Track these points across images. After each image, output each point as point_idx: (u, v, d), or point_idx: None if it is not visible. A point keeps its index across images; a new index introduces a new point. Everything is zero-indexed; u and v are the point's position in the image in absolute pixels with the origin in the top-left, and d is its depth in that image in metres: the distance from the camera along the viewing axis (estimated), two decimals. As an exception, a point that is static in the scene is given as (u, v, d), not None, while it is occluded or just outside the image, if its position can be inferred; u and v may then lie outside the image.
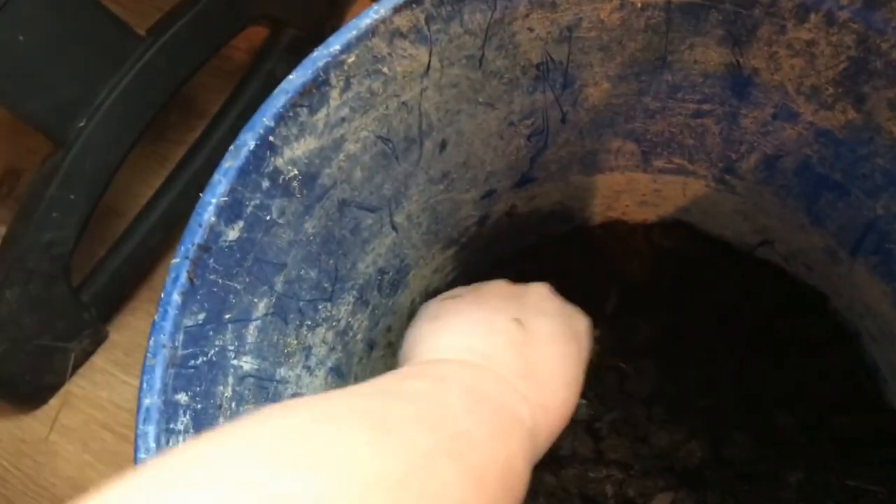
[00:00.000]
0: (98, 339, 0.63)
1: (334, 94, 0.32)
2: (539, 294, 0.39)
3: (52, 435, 0.61)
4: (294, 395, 0.37)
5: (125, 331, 0.64)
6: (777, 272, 0.48)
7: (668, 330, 0.50)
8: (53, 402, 0.62)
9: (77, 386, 0.63)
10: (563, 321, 0.38)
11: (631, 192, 0.47)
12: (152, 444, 0.27)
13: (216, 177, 0.30)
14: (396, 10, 0.31)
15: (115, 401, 0.62)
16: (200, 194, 0.30)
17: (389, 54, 0.32)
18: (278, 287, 0.34)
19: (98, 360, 0.64)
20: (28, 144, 0.70)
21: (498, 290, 0.39)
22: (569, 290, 0.50)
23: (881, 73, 0.32)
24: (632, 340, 0.50)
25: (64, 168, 0.58)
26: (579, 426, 0.48)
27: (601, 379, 0.49)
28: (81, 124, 0.58)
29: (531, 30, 0.34)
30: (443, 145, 0.38)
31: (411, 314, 0.47)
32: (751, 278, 0.49)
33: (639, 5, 0.33)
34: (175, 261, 0.29)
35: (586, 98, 0.39)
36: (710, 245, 0.49)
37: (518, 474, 0.28)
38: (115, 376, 0.63)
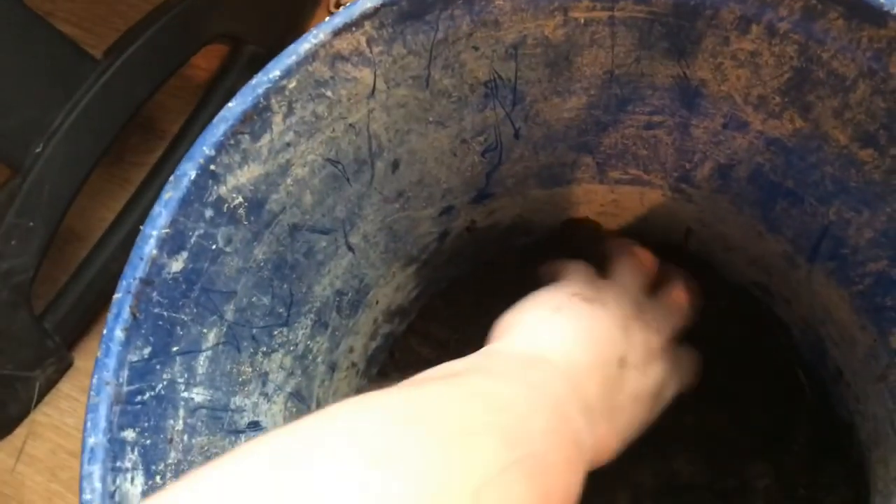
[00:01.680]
0: (63, 367, 0.63)
1: (277, 119, 0.31)
2: (657, 337, 0.39)
3: (19, 466, 0.60)
4: (251, 424, 0.36)
5: (90, 356, 0.63)
6: (738, 284, 0.48)
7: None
8: (19, 431, 0.61)
9: (43, 414, 0.62)
10: (660, 382, 0.38)
11: (589, 202, 0.47)
12: (97, 485, 0.27)
13: (156, 209, 0.29)
14: (336, 33, 0.31)
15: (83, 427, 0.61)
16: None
17: (332, 78, 0.32)
18: (229, 316, 0.34)
19: (64, 386, 0.63)
20: (-13, 170, 0.69)
21: (623, 310, 0.38)
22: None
23: (824, 82, 0.32)
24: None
25: (21, 195, 0.57)
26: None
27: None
28: (38, 150, 0.57)
29: (476, 48, 0.34)
30: (395, 165, 0.38)
31: (373, 334, 0.47)
32: (713, 286, 0.49)
33: (582, 21, 0.33)
34: (117, 296, 0.28)
35: (537, 113, 0.38)
36: (672, 253, 0.49)
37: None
38: (82, 402, 0.62)
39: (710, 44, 0.33)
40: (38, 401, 0.62)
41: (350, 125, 0.34)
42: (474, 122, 0.38)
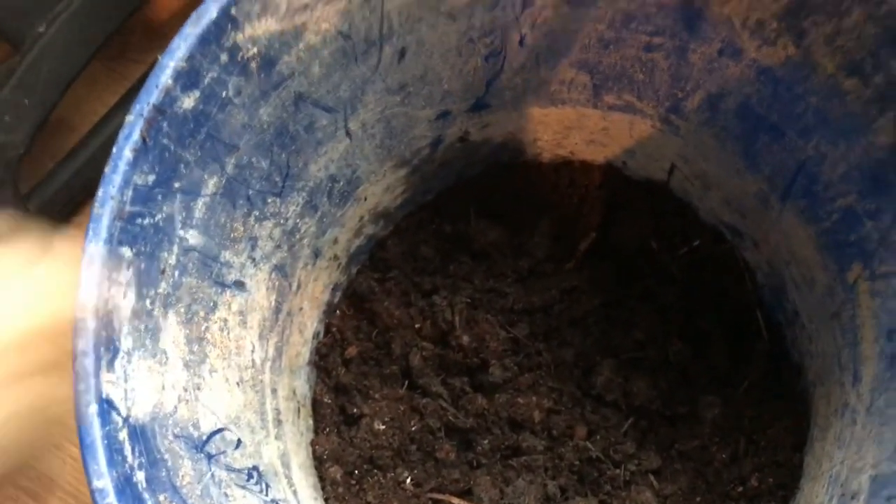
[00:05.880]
0: (41, 250, 0.63)
1: (299, -22, 0.32)
2: None
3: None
4: (237, 283, 0.38)
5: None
6: (712, 226, 0.50)
7: (609, 297, 0.51)
8: (-9, 308, 0.62)
9: (16, 295, 0.62)
10: None
11: (581, 128, 0.48)
12: (94, 290, 0.28)
13: (176, 41, 0.30)
14: None
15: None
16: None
17: (356, -54, 0.33)
18: (229, 169, 0.35)
19: (40, 270, 0.63)
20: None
21: None
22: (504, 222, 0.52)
23: (820, 7, 0.34)
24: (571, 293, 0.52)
25: (19, 72, 0.58)
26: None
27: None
28: (41, 30, 0.58)
29: (495, -60, 0.35)
30: (402, 53, 0.39)
31: (358, 231, 0.48)
32: (689, 226, 0.51)
33: (599, -75, 0.35)
34: (129, 118, 0.29)
35: (544, 21, 0.40)
36: (647, 190, 0.51)
37: None
38: (57, 288, 0.63)
39: (717, -39, 0.35)
40: (13, 280, 0.62)
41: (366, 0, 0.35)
42: (483, 21, 0.39)
